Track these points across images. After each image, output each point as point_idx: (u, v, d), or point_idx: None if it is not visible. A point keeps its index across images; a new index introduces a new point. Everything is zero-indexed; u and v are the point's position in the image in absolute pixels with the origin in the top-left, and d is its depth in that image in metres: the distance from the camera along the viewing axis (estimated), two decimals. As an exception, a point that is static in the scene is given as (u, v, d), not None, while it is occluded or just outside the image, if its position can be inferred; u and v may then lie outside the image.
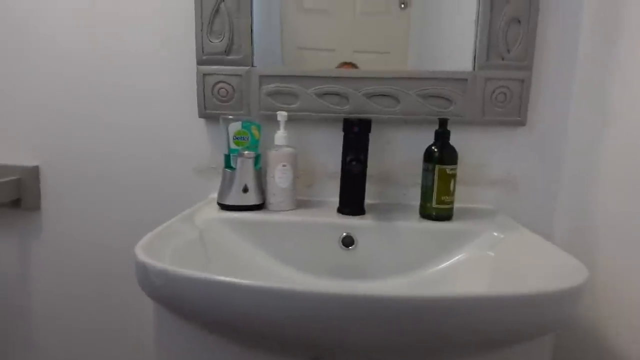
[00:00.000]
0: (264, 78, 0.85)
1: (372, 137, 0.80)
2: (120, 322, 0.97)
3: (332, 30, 0.86)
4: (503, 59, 0.82)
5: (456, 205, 0.79)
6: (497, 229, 0.73)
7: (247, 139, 0.80)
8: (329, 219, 0.78)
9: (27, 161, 0.93)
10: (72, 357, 0.99)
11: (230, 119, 0.80)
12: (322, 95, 0.85)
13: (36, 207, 0.95)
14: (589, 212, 0.78)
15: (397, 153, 0.88)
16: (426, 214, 0.79)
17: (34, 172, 0.93)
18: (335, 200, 0.84)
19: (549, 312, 0.48)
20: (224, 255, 0.71)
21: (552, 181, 0.87)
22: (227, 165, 0.80)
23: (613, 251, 0.72)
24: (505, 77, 0.82)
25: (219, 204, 0.81)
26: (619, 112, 0.72)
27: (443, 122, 0.78)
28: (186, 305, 0.51)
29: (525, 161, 0.87)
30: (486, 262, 0.69)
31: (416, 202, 0.83)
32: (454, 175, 0.77)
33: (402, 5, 0.84)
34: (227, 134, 0.80)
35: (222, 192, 0.80)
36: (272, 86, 0.85)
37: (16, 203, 0.93)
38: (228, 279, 0.47)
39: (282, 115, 0.80)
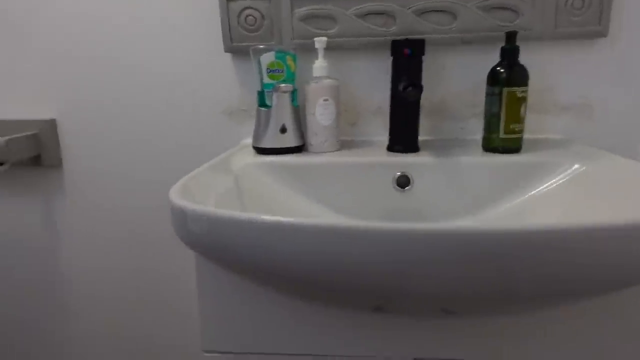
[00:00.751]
0: (296, 1, 0.73)
1: (424, 62, 0.68)
2: (161, 288, 0.92)
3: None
4: (581, -45, 0.68)
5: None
6: (579, 160, 0.62)
7: (283, 71, 0.70)
8: (380, 157, 0.68)
9: (43, 114, 0.86)
10: (112, 326, 0.96)
11: (262, 48, 0.70)
12: (364, 15, 0.73)
13: (57, 163, 0.88)
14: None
15: (454, 79, 0.76)
16: (491, 147, 0.68)
17: (51, 126, 0.86)
18: (382, 139, 0.75)
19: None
20: (263, 202, 0.63)
21: (636, 105, 0.74)
22: (262, 103, 0.71)
23: None
24: (584, -23, 0.69)
25: (254, 147, 0.72)
26: None
27: (511, 36, 0.66)
28: (231, 254, 0.44)
29: (604, 82, 0.74)
30: (569, 199, 0.59)
31: (476, 135, 0.72)
32: (524, 99, 0.66)
33: None
34: (260, 66, 0.70)
35: (257, 134, 0.71)
36: (305, 9, 0.73)
37: (36, 160, 0.87)
38: (279, 218, 0.40)
39: (320, 42, 0.69)
